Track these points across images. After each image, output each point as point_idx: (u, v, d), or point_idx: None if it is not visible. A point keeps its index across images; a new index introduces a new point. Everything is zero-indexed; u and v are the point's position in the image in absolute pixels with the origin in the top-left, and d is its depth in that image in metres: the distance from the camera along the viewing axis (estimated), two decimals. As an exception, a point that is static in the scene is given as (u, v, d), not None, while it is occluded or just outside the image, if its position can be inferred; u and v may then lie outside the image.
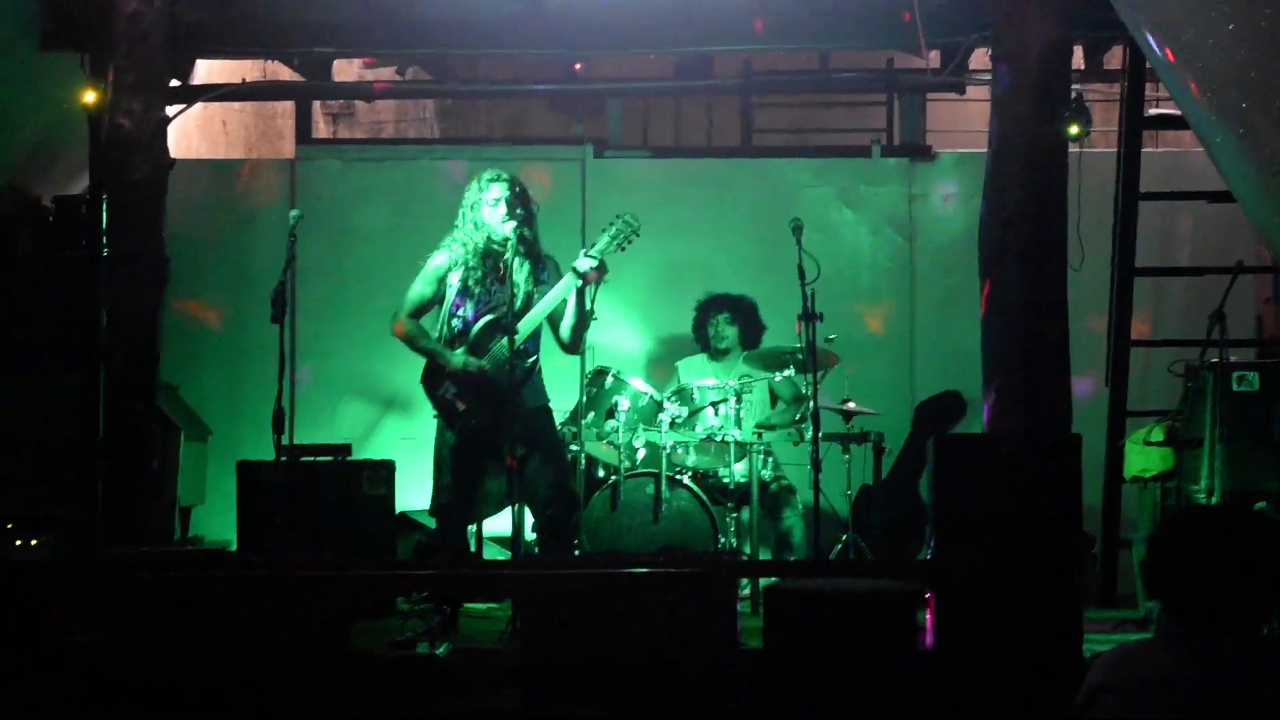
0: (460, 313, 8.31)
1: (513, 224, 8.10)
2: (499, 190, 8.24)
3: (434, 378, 8.33)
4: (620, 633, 6.65)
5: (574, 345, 8.39)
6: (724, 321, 10.29)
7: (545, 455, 8.33)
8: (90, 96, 9.39)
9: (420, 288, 8.39)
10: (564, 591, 6.82)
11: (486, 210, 8.24)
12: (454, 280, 8.29)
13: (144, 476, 9.49)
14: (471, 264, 8.25)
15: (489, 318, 8.24)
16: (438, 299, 8.39)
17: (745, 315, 10.30)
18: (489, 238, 8.24)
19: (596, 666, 6.63)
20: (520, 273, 8.17)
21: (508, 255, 8.10)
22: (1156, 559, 3.73)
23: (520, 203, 8.24)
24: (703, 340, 10.45)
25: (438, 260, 8.36)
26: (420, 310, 8.41)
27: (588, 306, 8.22)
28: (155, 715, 6.60)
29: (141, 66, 9.50)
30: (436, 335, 8.40)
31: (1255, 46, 6.52)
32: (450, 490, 8.34)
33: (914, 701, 6.51)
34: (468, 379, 8.21)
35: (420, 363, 8.49)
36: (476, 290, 8.26)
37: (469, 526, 8.71)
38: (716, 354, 10.36)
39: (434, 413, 8.46)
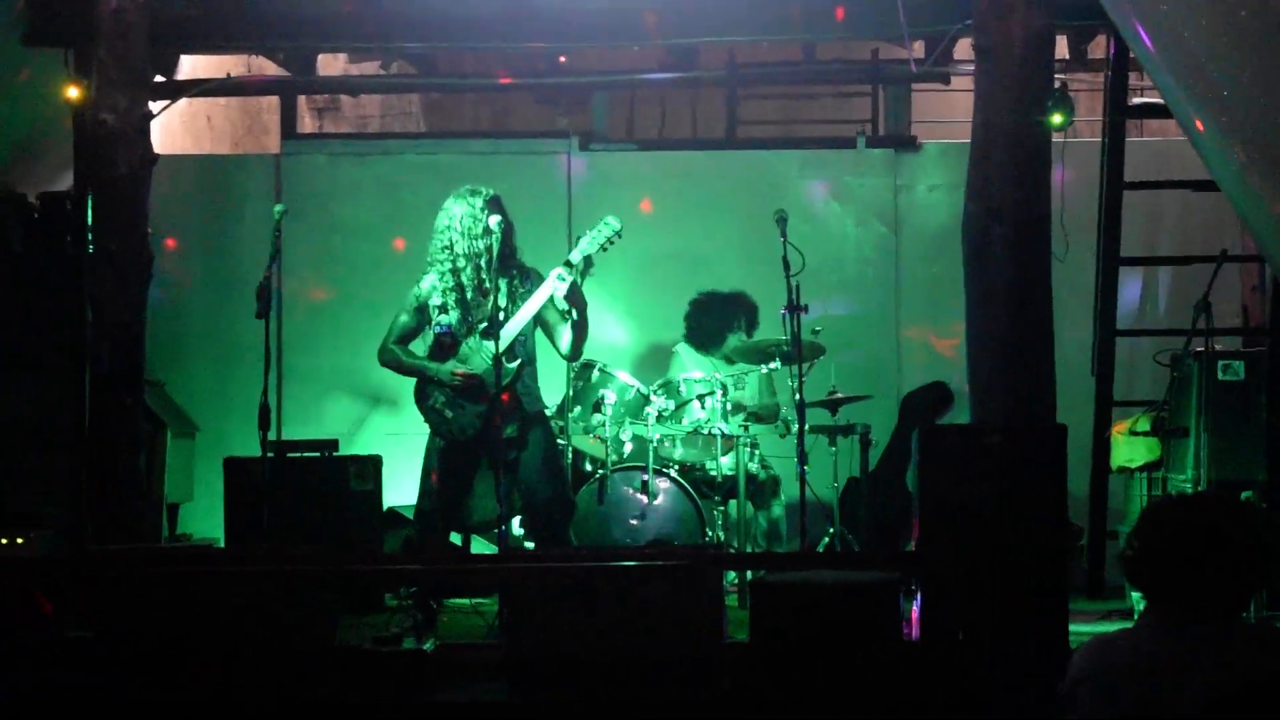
0: (445, 330, 8.25)
1: (492, 235, 8.06)
2: (472, 206, 8.17)
3: (422, 391, 8.30)
4: (606, 626, 6.66)
5: (574, 353, 8.32)
6: (743, 327, 10.23)
7: (541, 461, 8.28)
8: (74, 92, 9.39)
9: (403, 318, 8.35)
10: (550, 585, 6.82)
11: (462, 227, 8.16)
12: (435, 302, 8.24)
13: (131, 473, 9.48)
14: (450, 283, 8.19)
15: (477, 329, 8.18)
16: (422, 325, 8.34)
17: (753, 317, 10.29)
18: (467, 254, 8.16)
19: (583, 659, 6.64)
20: (499, 281, 8.05)
21: (486, 269, 8.09)
22: (1135, 547, 3.75)
23: (496, 215, 8.13)
24: (710, 339, 10.27)
25: (417, 289, 8.31)
26: (404, 339, 8.36)
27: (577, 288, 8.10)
28: (145, 711, 6.61)
29: (124, 62, 9.47)
30: (425, 355, 8.37)
31: (1236, 35, 6.54)
32: (435, 496, 8.32)
33: (899, 693, 6.53)
34: (458, 387, 8.17)
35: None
36: (459, 307, 8.20)
37: (454, 534, 8.68)
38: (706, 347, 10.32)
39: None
